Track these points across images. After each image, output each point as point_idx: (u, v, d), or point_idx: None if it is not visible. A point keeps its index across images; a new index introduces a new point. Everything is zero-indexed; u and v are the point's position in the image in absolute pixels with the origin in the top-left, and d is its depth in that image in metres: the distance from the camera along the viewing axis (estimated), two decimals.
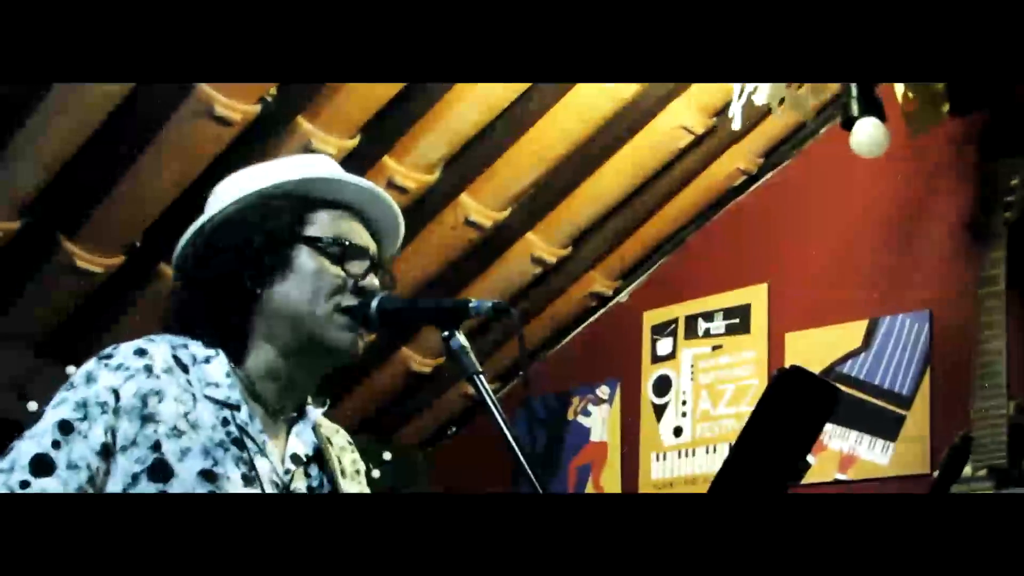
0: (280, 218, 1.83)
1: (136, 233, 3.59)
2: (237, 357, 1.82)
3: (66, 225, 3.53)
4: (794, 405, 1.66)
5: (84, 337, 3.71)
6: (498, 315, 1.76)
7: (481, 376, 1.70)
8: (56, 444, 1.66)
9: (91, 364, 1.74)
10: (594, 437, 4.65)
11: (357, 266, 1.85)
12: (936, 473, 3.35)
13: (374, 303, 1.82)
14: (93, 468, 1.66)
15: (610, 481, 4.54)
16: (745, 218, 4.44)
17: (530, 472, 1.60)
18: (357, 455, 2.00)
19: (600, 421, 4.65)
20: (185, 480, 1.68)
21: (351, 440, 2.01)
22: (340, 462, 1.93)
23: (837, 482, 3.92)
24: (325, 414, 1.95)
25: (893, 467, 3.84)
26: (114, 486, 1.66)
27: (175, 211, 3.47)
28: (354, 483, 1.95)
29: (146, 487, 1.66)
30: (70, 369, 3.39)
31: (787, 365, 1.67)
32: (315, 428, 1.88)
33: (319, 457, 1.86)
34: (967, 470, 3.27)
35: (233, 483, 1.71)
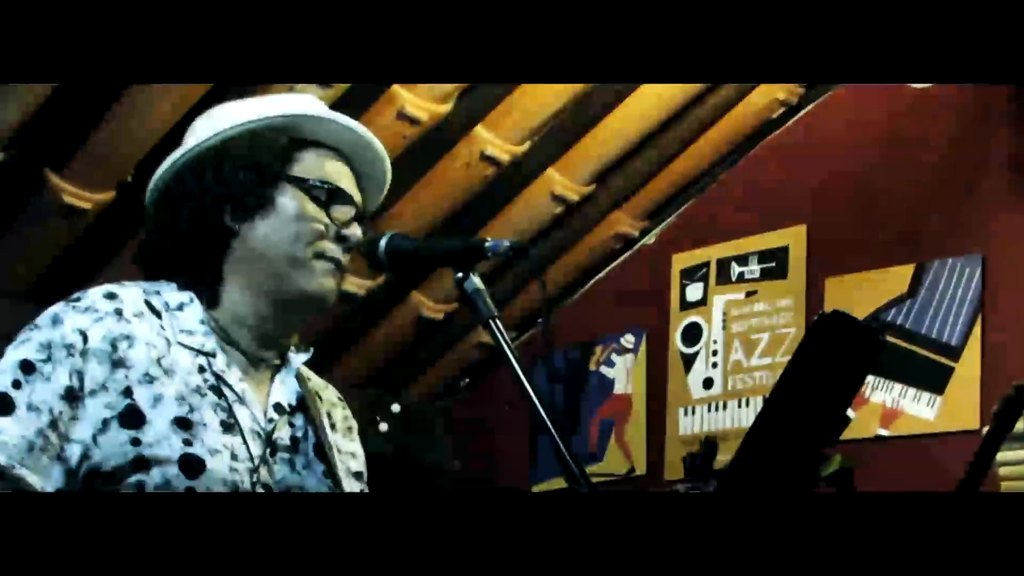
0: (265, 153, 1.85)
1: (127, 167, 3.60)
2: (210, 302, 1.84)
3: (53, 159, 3.54)
4: (834, 354, 1.66)
5: (74, 280, 3.72)
6: (516, 256, 1.75)
7: (498, 321, 1.70)
8: (16, 384, 1.69)
9: (58, 306, 1.77)
10: (618, 389, 4.67)
11: (342, 212, 1.87)
12: (986, 429, 3.36)
13: (383, 241, 1.82)
14: (55, 412, 1.68)
15: (635, 436, 4.57)
16: (783, 154, 4.42)
17: (551, 426, 1.60)
18: (349, 412, 2.02)
19: (625, 372, 4.66)
20: (158, 427, 1.70)
21: (341, 397, 2.03)
22: (331, 417, 1.95)
23: (879, 438, 3.93)
24: (329, 371, 1.96)
25: (940, 422, 3.85)
26: (83, 432, 1.69)
27: (169, 144, 3.46)
28: (346, 439, 1.97)
29: (117, 433, 1.69)
30: None
31: (827, 311, 1.67)
32: (300, 378, 1.90)
33: (303, 407, 1.88)
34: (1019, 426, 3.27)
35: (211, 430, 1.73)
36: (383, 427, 4.68)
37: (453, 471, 4.96)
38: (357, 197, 1.90)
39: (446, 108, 3.82)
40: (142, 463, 1.68)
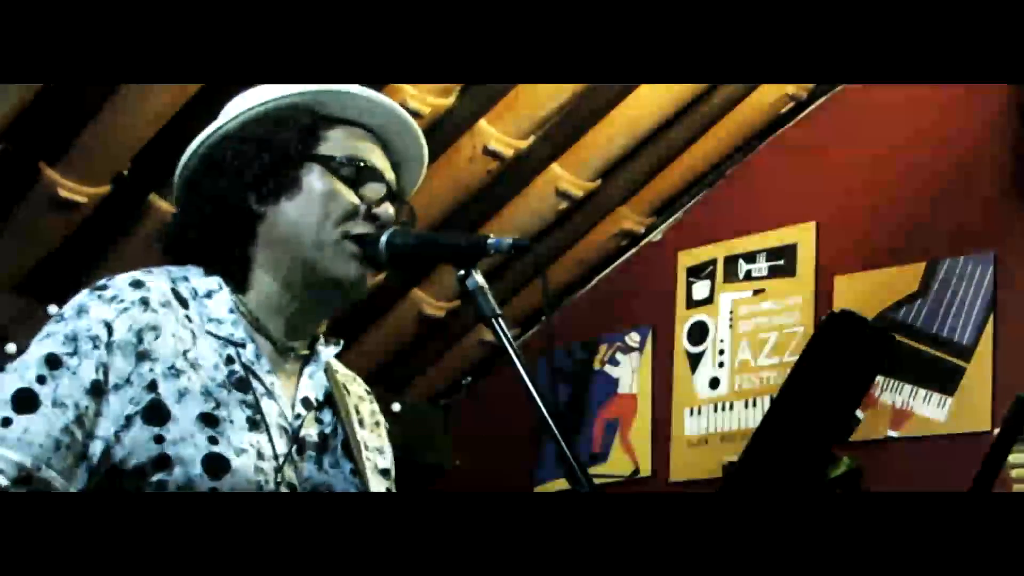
0: (289, 133, 1.83)
1: (124, 160, 3.60)
2: (239, 287, 1.83)
3: (47, 152, 3.54)
4: (843, 354, 1.65)
5: (70, 275, 3.73)
6: (519, 254, 1.75)
7: (500, 320, 1.70)
8: (41, 379, 1.67)
9: (83, 295, 1.75)
10: (623, 389, 4.66)
11: (372, 190, 1.85)
12: (997, 431, 3.35)
13: (383, 238, 1.82)
14: (82, 407, 1.66)
15: (640, 437, 4.56)
16: (793, 149, 4.41)
17: (554, 427, 1.60)
18: (376, 407, 2.01)
19: (630, 371, 4.66)
20: (183, 424, 1.69)
21: (369, 390, 2.02)
22: (358, 412, 1.94)
23: (889, 439, 3.93)
24: (341, 360, 1.96)
25: (951, 423, 3.84)
26: (106, 428, 1.68)
27: (167, 135, 3.47)
28: (374, 435, 1.96)
29: (140, 430, 1.68)
30: (52, 309, 3.44)
31: (836, 310, 1.66)
32: (328, 370, 1.89)
33: (331, 402, 1.87)
34: None
35: (236, 427, 1.72)
36: None
37: (454, 471, 4.96)
38: (389, 175, 1.88)
39: (448, 102, 3.81)
40: (165, 461, 1.67)
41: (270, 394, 1.79)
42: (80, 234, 3.75)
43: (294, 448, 1.78)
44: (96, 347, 1.69)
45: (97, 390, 1.68)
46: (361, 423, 1.93)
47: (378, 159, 1.88)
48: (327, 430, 1.85)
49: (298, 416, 1.81)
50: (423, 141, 1.95)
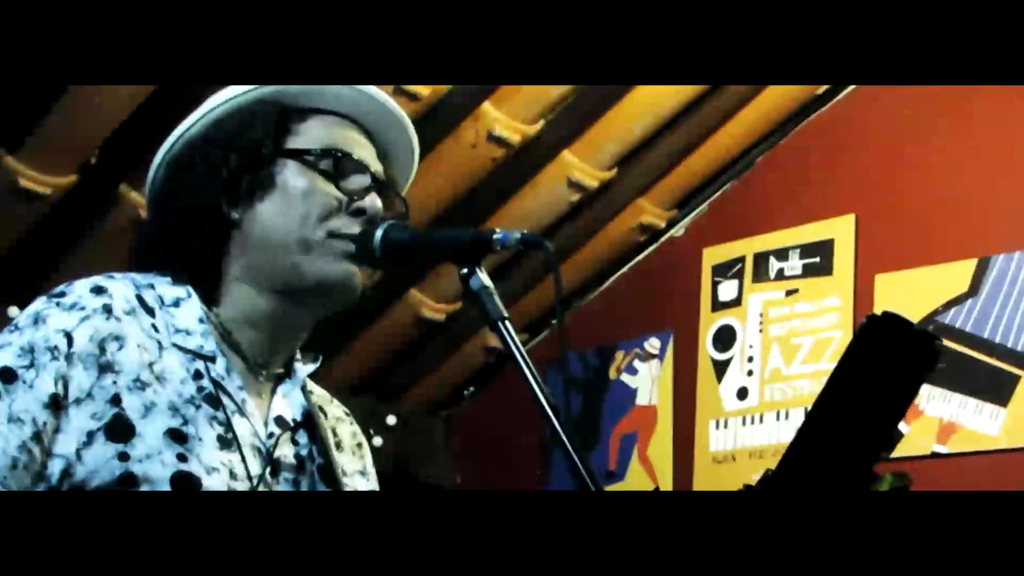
0: (257, 129, 1.84)
1: (91, 147, 3.60)
2: (211, 298, 1.84)
3: (7, 138, 3.55)
4: (885, 360, 1.65)
5: (32, 273, 3.73)
6: (528, 249, 1.75)
7: (507, 323, 1.70)
8: None
9: (40, 303, 1.75)
10: (641, 400, 4.67)
11: (354, 182, 1.85)
12: None
13: (378, 233, 1.82)
14: (40, 423, 1.67)
15: (660, 452, 4.57)
16: (829, 135, 4.41)
17: (566, 441, 1.60)
18: (357, 428, 2.02)
19: (649, 380, 4.67)
20: (149, 441, 1.69)
21: (348, 411, 2.03)
22: (336, 434, 1.95)
23: (935, 455, 3.93)
24: (317, 380, 1.96)
25: (1004, 437, 3.84)
26: (66, 445, 1.68)
27: (138, 121, 3.47)
28: (355, 458, 1.97)
29: (104, 447, 1.68)
30: (13, 311, 3.45)
31: (877, 311, 1.66)
32: (304, 391, 1.90)
33: (308, 423, 1.88)
34: None
35: (206, 445, 1.73)
36: (377, 441, 4.69)
37: (455, 489, 4.96)
38: (374, 165, 1.88)
39: None
40: (130, 480, 1.67)
41: (241, 412, 1.80)
42: (44, 228, 3.76)
43: (268, 469, 1.78)
44: (55, 358, 1.70)
45: (56, 404, 1.69)
46: (339, 446, 1.94)
47: (359, 148, 1.88)
48: (303, 452, 1.86)
49: (271, 435, 1.82)
50: (408, 125, 1.95)
